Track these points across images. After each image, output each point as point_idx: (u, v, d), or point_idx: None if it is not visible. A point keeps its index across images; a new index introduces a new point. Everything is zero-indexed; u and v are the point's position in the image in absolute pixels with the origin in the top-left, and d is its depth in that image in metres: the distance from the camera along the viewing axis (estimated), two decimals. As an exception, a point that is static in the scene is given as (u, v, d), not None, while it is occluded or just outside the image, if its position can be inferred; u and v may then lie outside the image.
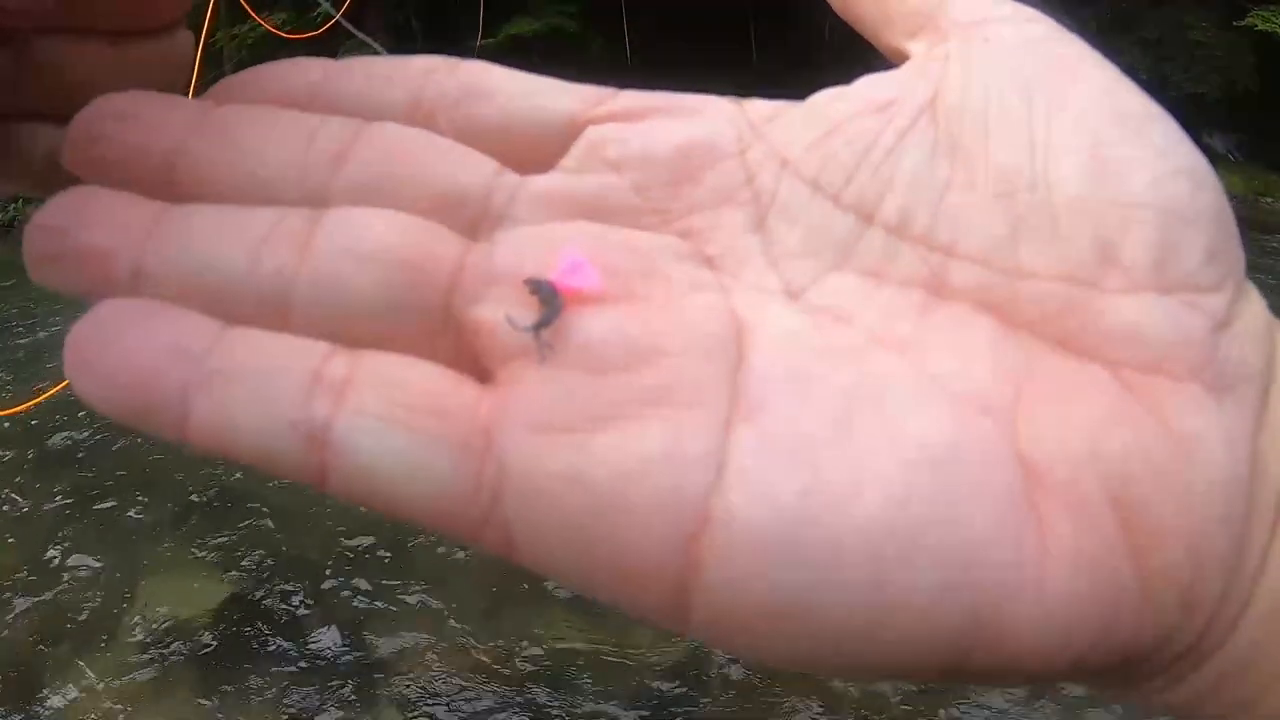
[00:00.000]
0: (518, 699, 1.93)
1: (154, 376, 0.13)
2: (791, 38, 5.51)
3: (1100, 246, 0.14)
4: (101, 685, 1.95)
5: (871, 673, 0.13)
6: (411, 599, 2.21)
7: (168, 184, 0.15)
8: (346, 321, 0.14)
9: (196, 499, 2.61)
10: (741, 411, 0.14)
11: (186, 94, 0.17)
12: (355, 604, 2.20)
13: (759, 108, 0.18)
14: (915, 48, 0.17)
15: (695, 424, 0.13)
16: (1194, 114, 6.26)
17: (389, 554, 2.36)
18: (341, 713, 1.90)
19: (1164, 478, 0.13)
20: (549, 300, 0.14)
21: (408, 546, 2.36)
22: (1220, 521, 0.13)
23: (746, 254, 0.16)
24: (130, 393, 0.13)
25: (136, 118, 0.16)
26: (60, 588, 2.27)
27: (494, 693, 1.95)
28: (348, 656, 2.05)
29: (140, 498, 2.62)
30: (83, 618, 2.16)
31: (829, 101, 0.17)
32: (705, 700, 1.92)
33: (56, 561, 2.36)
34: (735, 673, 1.97)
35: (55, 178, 0.16)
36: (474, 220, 0.16)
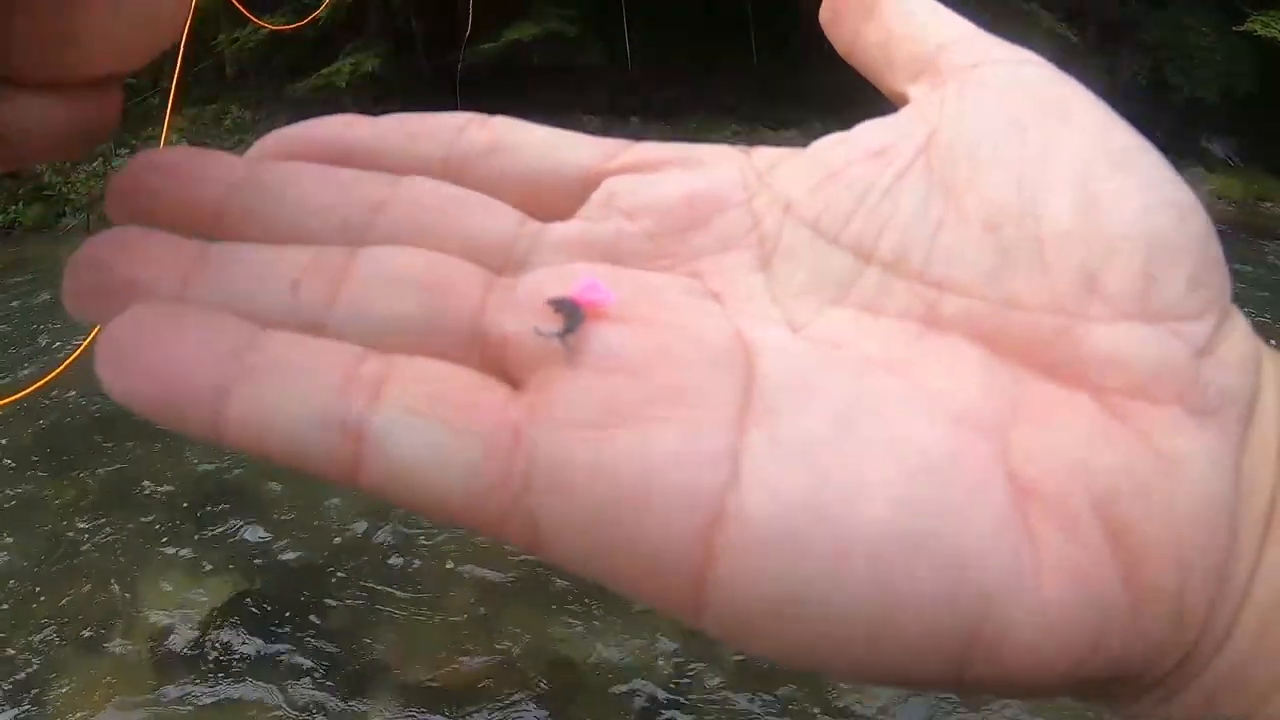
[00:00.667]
0: (520, 699, 1.93)
1: (188, 372, 0.14)
2: (791, 40, 5.54)
3: (1085, 277, 0.15)
4: (101, 685, 1.95)
5: (875, 676, 0.14)
6: (414, 600, 2.21)
7: (212, 231, 0.16)
8: (378, 340, 0.15)
9: (197, 500, 2.61)
10: (753, 415, 0.14)
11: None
12: (358, 605, 2.20)
13: (765, 155, 0.19)
14: (915, 91, 0.18)
15: (710, 424, 0.14)
16: (1193, 118, 6.27)
17: (391, 554, 2.36)
18: (343, 713, 1.90)
19: (1150, 496, 0.13)
20: (571, 313, 0.15)
21: (410, 547, 2.36)
22: (1206, 539, 0.13)
23: (751, 291, 0.17)
24: (164, 388, 0.14)
25: (186, 173, 0.17)
26: (60, 588, 2.27)
27: (497, 692, 1.95)
28: (350, 657, 2.05)
29: (139, 497, 2.62)
30: (82, 617, 2.16)
31: (830, 147, 0.18)
32: None
33: (55, 562, 2.36)
34: None
35: None
36: (499, 264, 0.17)
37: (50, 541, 2.45)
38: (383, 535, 2.40)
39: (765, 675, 1.96)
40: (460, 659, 2.04)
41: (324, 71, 5.99)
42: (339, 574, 2.31)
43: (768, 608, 0.13)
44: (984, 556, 0.13)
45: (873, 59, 0.19)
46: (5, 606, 2.23)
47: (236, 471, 2.71)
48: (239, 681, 1.98)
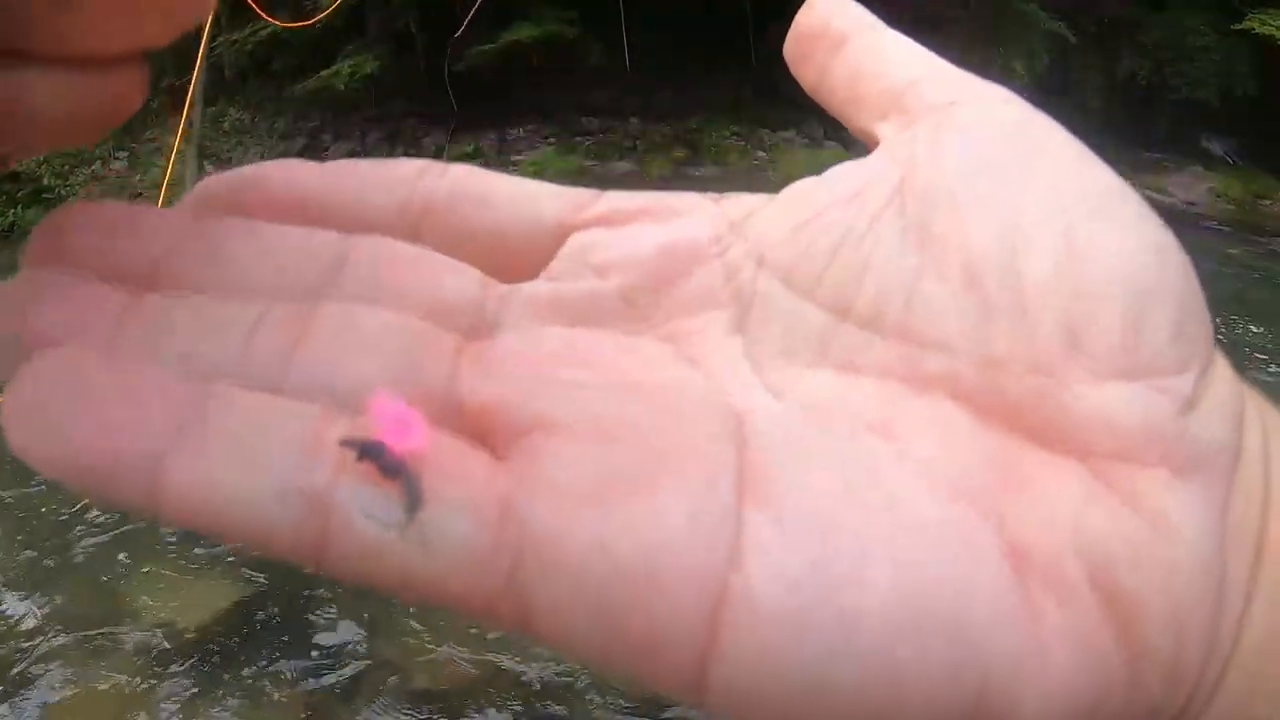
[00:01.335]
0: (523, 700, 1.93)
1: (118, 433, 0.12)
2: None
3: (1068, 333, 0.14)
4: (100, 685, 1.95)
5: None
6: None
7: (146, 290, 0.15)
8: (344, 403, 0.14)
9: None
10: (749, 482, 0.14)
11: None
12: (357, 607, 2.20)
13: (737, 204, 0.18)
14: (884, 130, 0.18)
15: (710, 494, 0.13)
16: (1192, 117, 6.27)
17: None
18: (343, 715, 1.90)
19: (1142, 559, 0.13)
20: (401, 477, 0.13)
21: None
22: (1198, 599, 0.13)
23: (730, 356, 0.16)
24: (89, 453, 0.12)
25: (115, 231, 0.15)
26: (59, 588, 2.27)
27: (495, 696, 1.95)
28: (350, 659, 2.05)
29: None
30: (80, 618, 2.16)
31: (801, 193, 0.17)
32: None
33: (55, 566, 2.36)
34: None
35: None
36: (467, 328, 0.16)
37: (49, 541, 2.45)
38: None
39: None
40: (460, 662, 2.04)
41: (323, 74, 5.99)
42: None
43: (773, 687, 0.13)
44: (989, 630, 0.13)
45: (840, 96, 0.19)
46: (3, 606, 2.23)
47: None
48: (238, 683, 1.98)
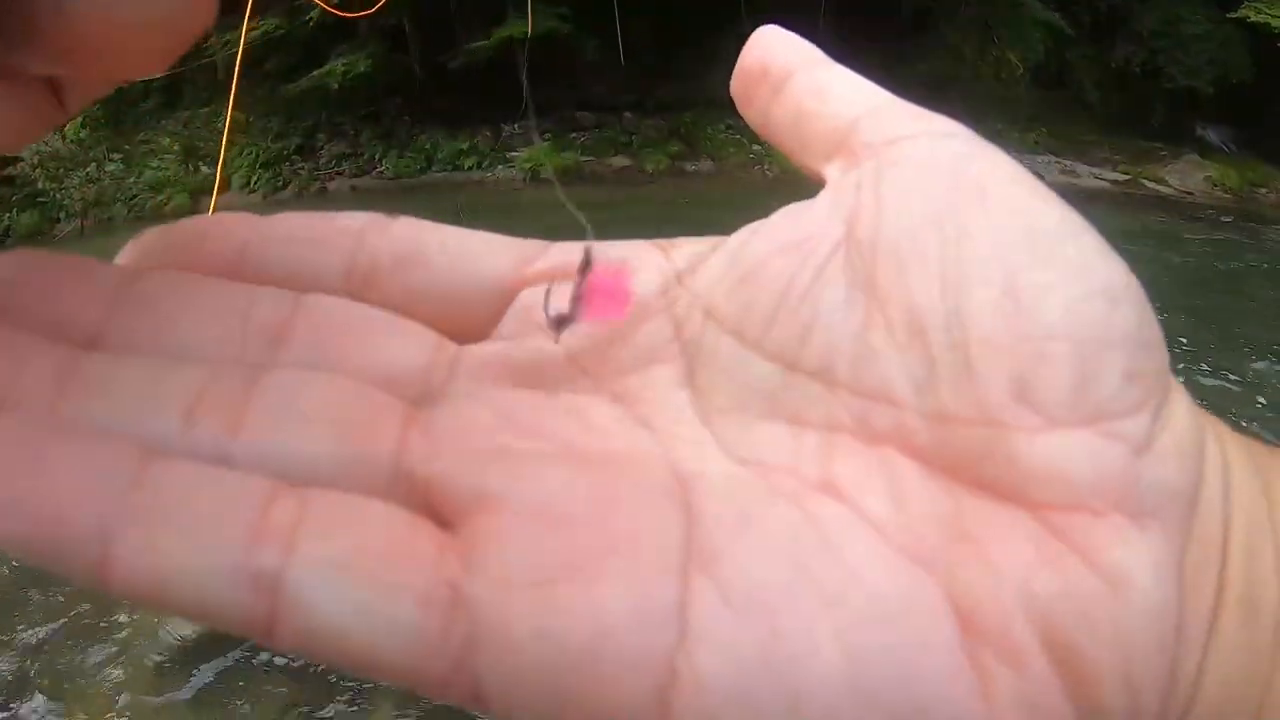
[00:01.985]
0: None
1: (66, 507, 0.12)
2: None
3: (1016, 385, 0.14)
4: (99, 686, 1.95)
5: None
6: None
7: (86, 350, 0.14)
8: (290, 478, 0.14)
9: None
10: (696, 559, 0.14)
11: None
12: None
13: (684, 253, 0.18)
14: (831, 172, 0.17)
15: (656, 576, 0.13)
16: (1188, 107, 6.28)
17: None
18: (342, 716, 1.91)
19: (1094, 619, 0.13)
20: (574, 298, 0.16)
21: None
22: (1154, 650, 0.13)
23: (678, 412, 0.16)
24: (36, 526, 0.12)
25: (57, 286, 0.15)
26: (58, 587, 2.27)
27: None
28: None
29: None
30: (81, 618, 2.16)
31: (746, 241, 0.17)
32: None
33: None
34: None
35: None
36: (416, 393, 0.16)
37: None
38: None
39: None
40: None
41: (316, 73, 5.98)
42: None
43: None
44: (938, 703, 0.13)
45: (785, 138, 0.18)
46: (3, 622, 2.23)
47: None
48: (239, 684, 1.98)
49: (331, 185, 5.98)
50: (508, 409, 0.16)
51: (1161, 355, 0.14)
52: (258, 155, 6.09)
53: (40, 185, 5.82)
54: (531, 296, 0.18)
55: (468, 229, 0.18)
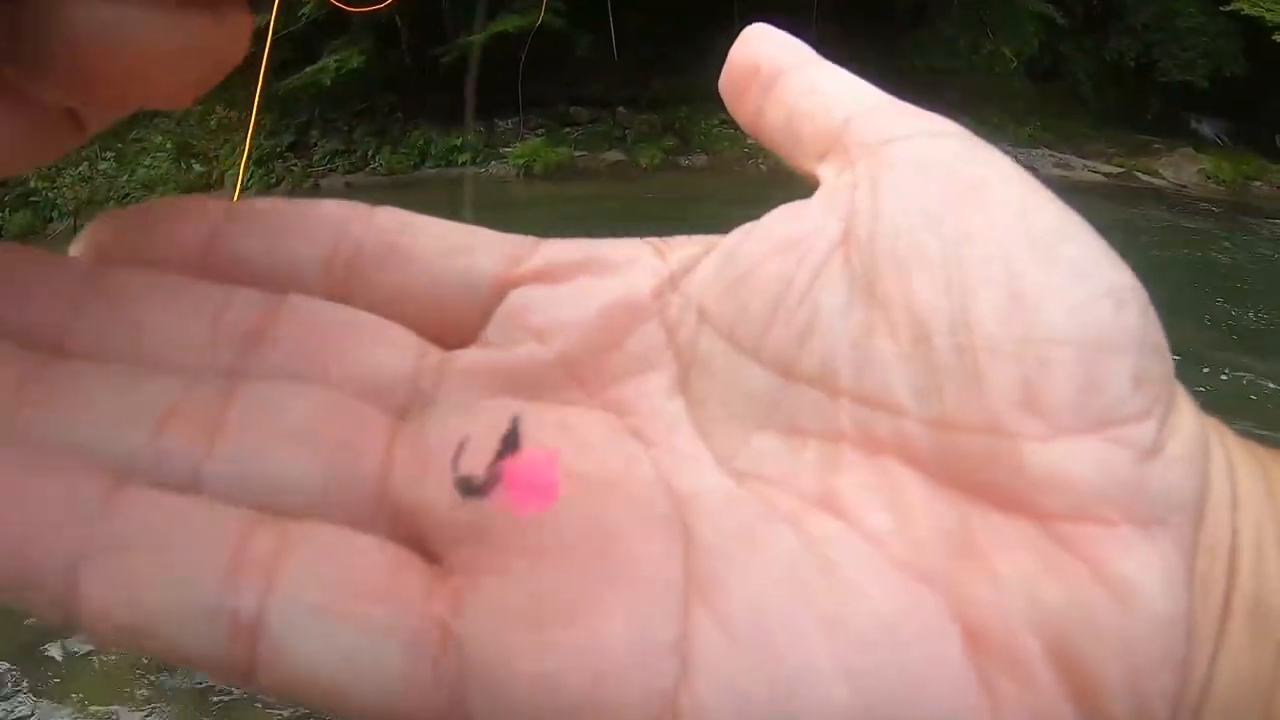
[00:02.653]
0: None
1: (30, 541, 0.11)
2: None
3: (1021, 392, 0.13)
4: (97, 687, 1.95)
5: None
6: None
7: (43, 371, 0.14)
8: (268, 503, 0.13)
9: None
10: (697, 590, 0.13)
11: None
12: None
13: (679, 254, 0.17)
14: (824, 172, 0.17)
15: (656, 609, 0.13)
16: (1183, 100, 6.29)
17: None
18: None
19: (1101, 631, 0.13)
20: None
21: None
22: (1162, 662, 0.13)
23: (673, 423, 0.16)
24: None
25: (20, 285, 0.14)
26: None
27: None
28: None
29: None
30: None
31: (740, 242, 0.17)
32: None
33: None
34: None
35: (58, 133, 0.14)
36: (401, 402, 0.15)
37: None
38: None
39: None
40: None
41: (309, 69, 5.96)
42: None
43: None
44: None
45: (778, 137, 0.18)
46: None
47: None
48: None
49: (325, 182, 5.97)
50: (497, 422, 0.15)
51: (1167, 359, 0.14)
52: (250, 153, 6.07)
53: (32, 184, 5.80)
54: (522, 298, 0.17)
55: (455, 222, 0.18)
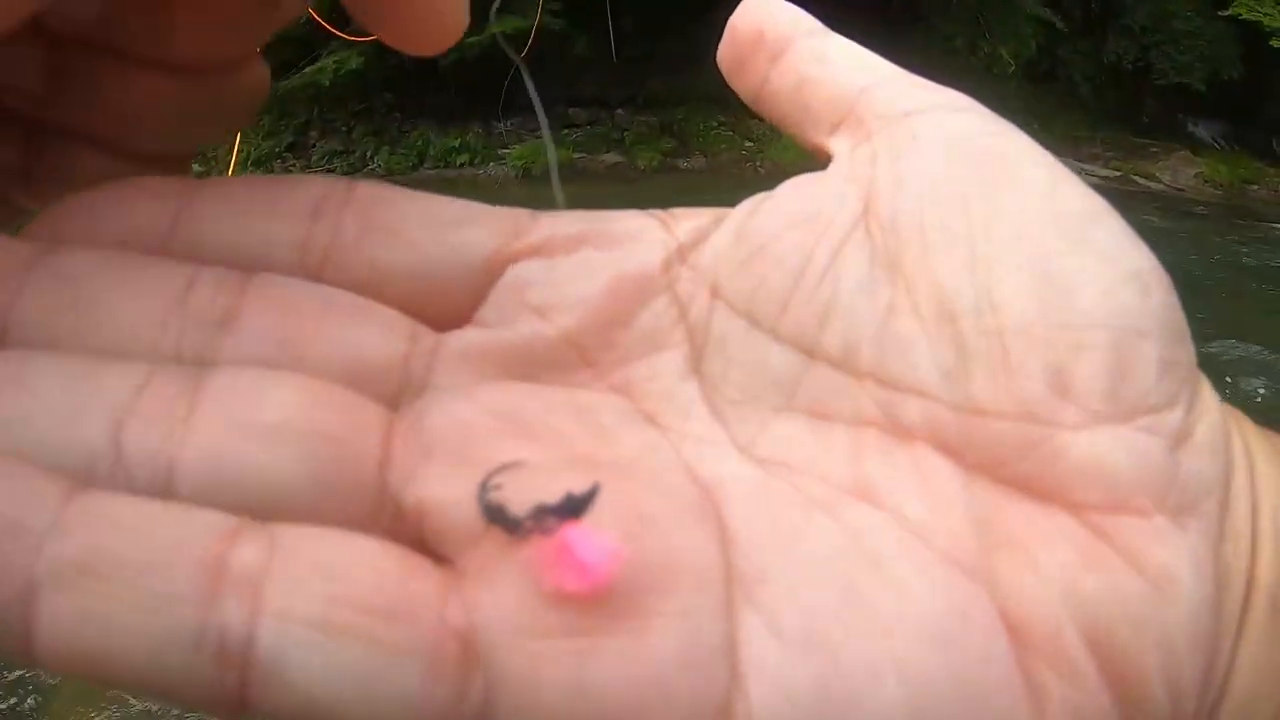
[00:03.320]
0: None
1: None
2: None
3: (1052, 376, 0.13)
4: (99, 687, 1.95)
5: None
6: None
7: None
8: (251, 506, 0.11)
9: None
10: (741, 588, 0.12)
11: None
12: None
13: (686, 226, 0.16)
14: (838, 145, 0.16)
15: (700, 610, 0.12)
16: (1180, 103, 6.29)
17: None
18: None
19: (1141, 622, 0.13)
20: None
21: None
22: (1195, 650, 0.13)
23: (688, 405, 0.15)
24: None
25: None
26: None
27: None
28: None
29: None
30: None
31: (753, 213, 0.16)
32: None
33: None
34: None
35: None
36: (393, 390, 0.14)
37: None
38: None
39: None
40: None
41: (308, 70, 5.96)
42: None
43: None
44: None
45: (785, 107, 0.17)
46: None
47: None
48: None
49: (323, 182, 5.95)
50: (503, 408, 0.14)
51: (1190, 344, 0.14)
52: (249, 153, 6.06)
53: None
54: (521, 273, 0.15)
55: (444, 196, 0.16)
